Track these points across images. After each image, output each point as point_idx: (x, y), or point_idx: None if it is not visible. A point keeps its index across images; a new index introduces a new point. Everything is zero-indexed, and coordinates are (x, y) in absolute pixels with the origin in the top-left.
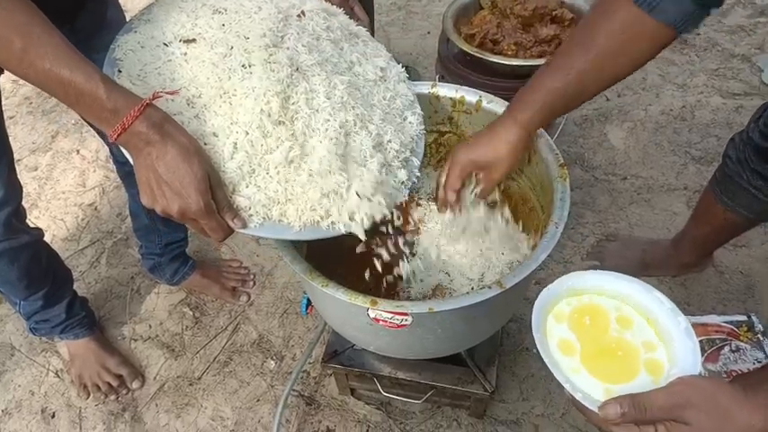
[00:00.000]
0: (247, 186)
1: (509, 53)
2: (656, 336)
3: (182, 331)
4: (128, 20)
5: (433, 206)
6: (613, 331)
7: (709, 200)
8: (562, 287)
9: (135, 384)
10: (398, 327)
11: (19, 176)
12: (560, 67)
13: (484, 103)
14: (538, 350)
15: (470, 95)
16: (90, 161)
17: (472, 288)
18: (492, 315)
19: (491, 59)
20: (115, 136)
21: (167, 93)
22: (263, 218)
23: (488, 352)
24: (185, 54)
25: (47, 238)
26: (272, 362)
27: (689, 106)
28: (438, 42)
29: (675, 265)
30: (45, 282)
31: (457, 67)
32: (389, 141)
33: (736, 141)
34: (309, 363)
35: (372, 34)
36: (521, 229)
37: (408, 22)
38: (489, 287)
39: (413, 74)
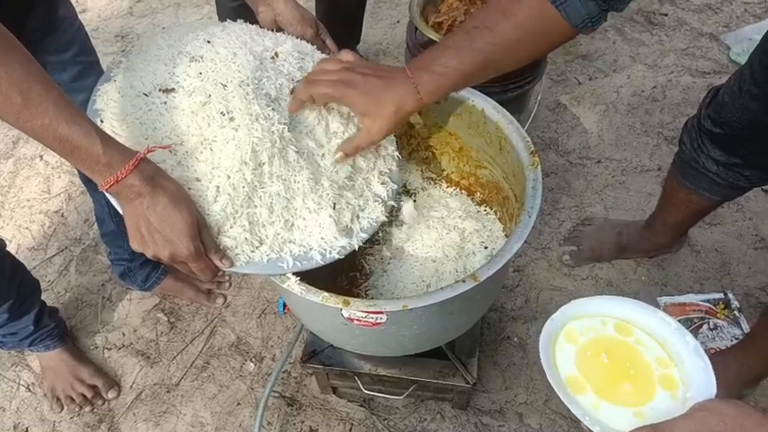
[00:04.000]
0: (231, 227)
1: None
2: (667, 357)
3: (157, 337)
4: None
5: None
6: (623, 353)
7: (673, 184)
8: (565, 316)
9: (110, 394)
10: (374, 325)
11: None
12: (469, 48)
13: (452, 93)
14: (551, 386)
15: None
16: (54, 167)
17: (449, 280)
18: (469, 308)
19: None
20: (107, 187)
21: (160, 147)
22: (249, 256)
23: (469, 344)
24: (165, 103)
25: (11, 248)
26: (252, 364)
27: (660, 86)
28: (406, 32)
29: (651, 247)
30: (9, 294)
31: None
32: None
33: (689, 127)
34: (290, 363)
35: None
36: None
37: (377, 12)
38: (464, 281)
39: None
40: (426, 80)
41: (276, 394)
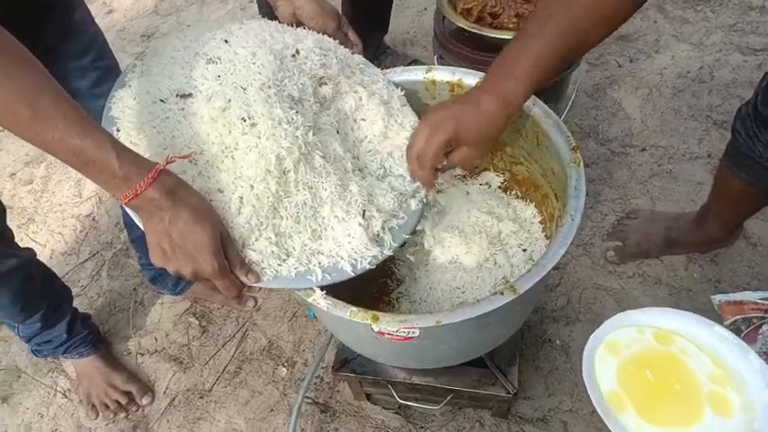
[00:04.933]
0: (257, 240)
1: (510, 27)
2: (723, 375)
3: (189, 342)
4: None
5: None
6: (668, 367)
7: (726, 175)
8: (611, 329)
9: (145, 400)
10: (405, 339)
11: (14, 190)
12: (538, 35)
13: None
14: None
15: (469, 78)
16: None
17: (485, 288)
18: (508, 319)
19: (490, 35)
20: (125, 201)
21: (181, 157)
22: (276, 270)
23: (509, 350)
24: (183, 110)
25: (46, 253)
26: (284, 369)
27: (707, 66)
28: (433, 20)
29: (703, 241)
30: (41, 304)
31: (455, 45)
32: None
33: (743, 114)
34: (322, 367)
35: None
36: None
37: (404, 0)
38: (501, 293)
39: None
40: (514, 87)
41: (309, 400)
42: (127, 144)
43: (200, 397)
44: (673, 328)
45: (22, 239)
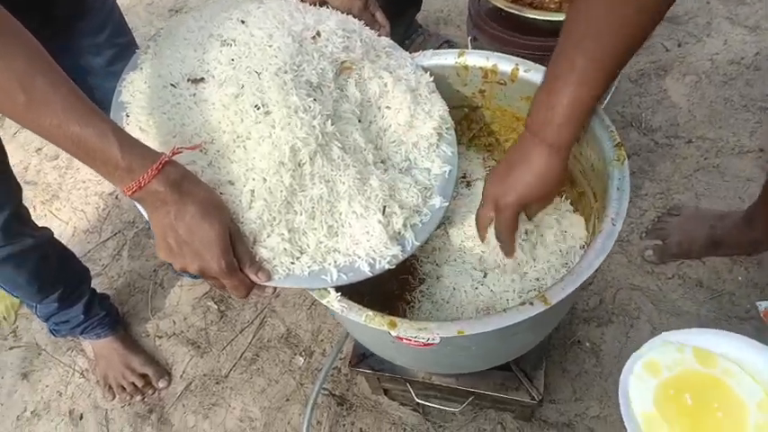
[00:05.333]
0: (269, 236)
1: (551, 6)
2: None
3: (207, 326)
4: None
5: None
6: (710, 392)
7: None
8: (652, 348)
9: (161, 384)
10: (425, 345)
11: (40, 166)
12: (570, 72)
13: (521, 72)
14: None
15: (504, 63)
16: None
17: (514, 291)
18: (536, 329)
19: (530, 15)
20: (129, 193)
21: (188, 148)
22: (288, 269)
23: (535, 353)
24: (194, 95)
25: (68, 231)
26: (301, 358)
27: (763, 53)
28: None
29: (750, 243)
30: (58, 284)
31: (490, 25)
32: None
33: None
34: (340, 358)
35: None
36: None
37: None
38: (531, 303)
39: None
40: (556, 135)
41: (326, 392)
42: (135, 131)
43: (217, 383)
44: (718, 350)
45: (45, 216)
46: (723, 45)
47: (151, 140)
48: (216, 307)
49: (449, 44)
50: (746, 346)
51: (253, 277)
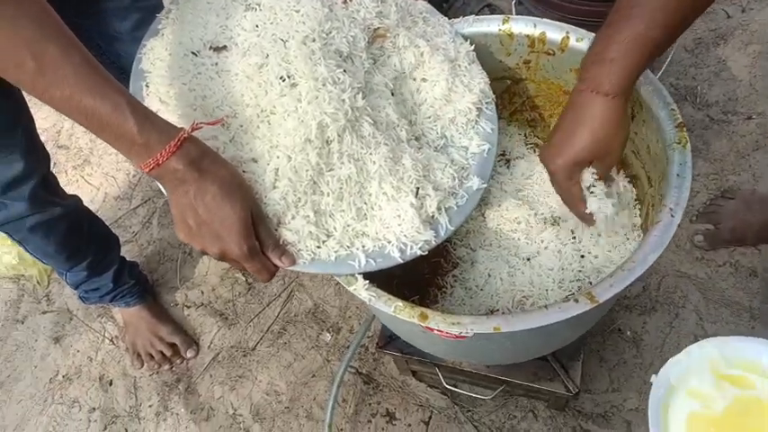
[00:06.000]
0: (294, 218)
1: None
2: None
3: (234, 298)
4: None
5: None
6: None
7: None
8: (692, 362)
9: (189, 353)
10: (457, 337)
11: (71, 130)
12: (632, 11)
13: (572, 41)
14: None
15: (553, 31)
16: None
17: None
18: (577, 325)
19: None
20: (147, 170)
21: (208, 123)
22: (313, 253)
23: (574, 343)
24: (216, 65)
25: (99, 197)
26: (328, 334)
27: None
28: None
29: None
30: (87, 252)
31: None
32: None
33: None
34: (368, 337)
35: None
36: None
37: None
38: (576, 300)
39: (495, 13)
40: (607, 76)
41: (353, 370)
42: (155, 102)
43: (244, 355)
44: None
45: (77, 180)
46: None
47: (171, 113)
48: (244, 279)
49: (489, 8)
50: None
51: (276, 261)
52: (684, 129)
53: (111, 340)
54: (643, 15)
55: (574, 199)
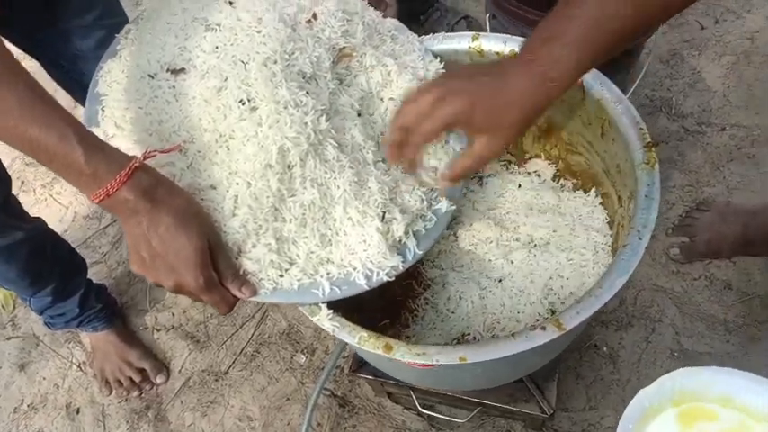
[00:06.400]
0: (254, 247)
1: None
2: None
3: (206, 320)
4: None
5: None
6: None
7: None
8: (665, 390)
9: (159, 379)
10: (425, 366)
11: None
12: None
13: None
14: None
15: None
16: None
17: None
18: (546, 352)
19: None
20: (97, 201)
21: (162, 151)
22: (276, 282)
23: (549, 363)
24: (173, 88)
25: (68, 216)
26: (303, 356)
27: None
28: None
29: None
30: (51, 277)
31: (511, 3)
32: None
33: None
34: (343, 358)
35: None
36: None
37: None
38: (543, 328)
39: (472, 28)
40: (557, 55)
41: (327, 392)
42: (110, 127)
43: (216, 379)
44: (752, 404)
45: (46, 199)
46: (765, 22)
47: (126, 138)
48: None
49: (467, 20)
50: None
51: (236, 292)
52: (653, 149)
53: (79, 366)
54: (600, 11)
55: (421, 136)
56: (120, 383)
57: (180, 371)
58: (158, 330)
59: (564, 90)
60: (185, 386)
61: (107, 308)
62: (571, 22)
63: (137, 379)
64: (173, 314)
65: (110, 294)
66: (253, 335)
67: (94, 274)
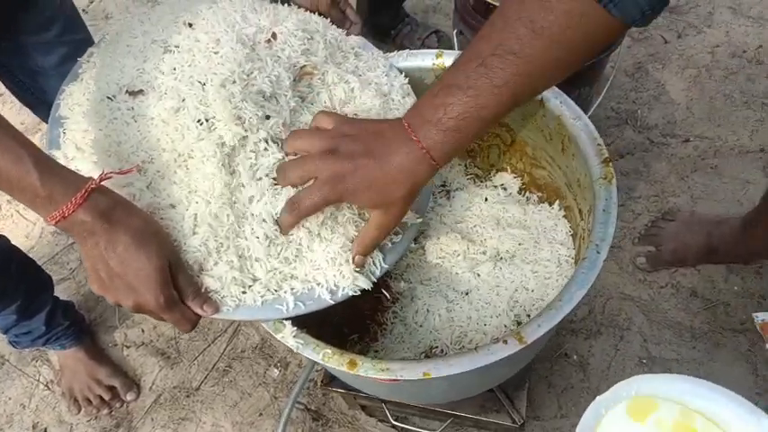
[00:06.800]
0: (216, 264)
1: None
2: None
3: (177, 336)
4: None
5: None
6: None
7: None
8: (621, 397)
9: (129, 396)
10: (391, 381)
11: None
12: (489, 86)
13: None
14: None
15: None
16: None
17: (492, 316)
18: (512, 364)
19: None
20: (53, 222)
21: (118, 173)
22: (238, 299)
23: (518, 374)
24: (132, 109)
25: (35, 232)
26: (276, 370)
27: (767, 45)
28: None
29: (747, 251)
30: (16, 295)
31: (477, 20)
32: None
33: None
34: (317, 371)
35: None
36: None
37: None
38: (505, 341)
39: (442, 42)
40: (438, 140)
41: (301, 406)
42: (71, 149)
43: (187, 395)
44: (705, 409)
45: (12, 215)
46: (725, 36)
47: (86, 160)
48: None
49: (437, 35)
50: (732, 404)
51: (197, 310)
52: (610, 164)
53: (47, 385)
54: (487, 86)
55: (303, 213)
56: (90, 402)
57: (151, 388)
58: (128, 347)
59: (445, 164)
60: (156, 403)
61: (75, 325)
62: (446, 110)
63: (106, 397)
64: (143, 330)
65: (78, 311)
66: (225, 350)
67: (62, 291)
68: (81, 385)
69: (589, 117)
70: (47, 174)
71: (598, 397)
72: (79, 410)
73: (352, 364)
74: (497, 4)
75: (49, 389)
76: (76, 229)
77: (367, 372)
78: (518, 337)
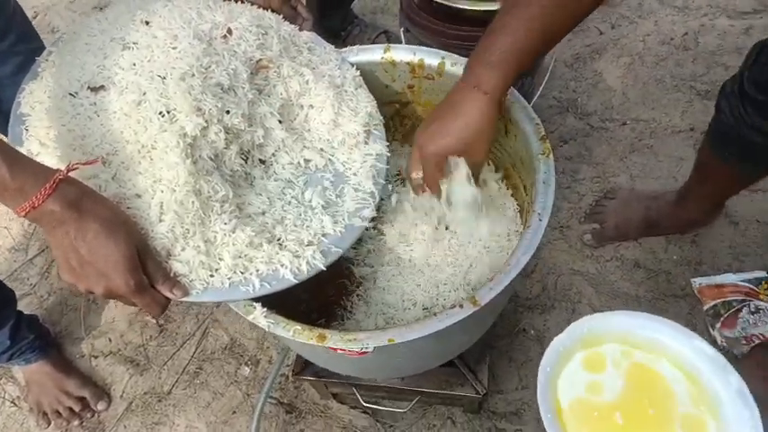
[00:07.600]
0: (183, 250)
1: None
2: (699, 395)
3: (145, 342)
4: None
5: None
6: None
7: (709, 154)
8: (575, 336)
9: (100, 406)
10: (360, 354)
11: None
12: (514, 18)
13: (447, 66)
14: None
15: (431, 58)
16: None
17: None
18: (471, 329)
19: (458, 5)
20: (23, 213)
21: (84, 164)
22: (206, 282)
23: (478, 347)
24: (94, 104)
25: None
26: (247, 368)
27: (691, 32)
28: None
29: (683, 222)
30: None
31: (421, 16)
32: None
33: (727, 91)
34: (287, 365)
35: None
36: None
37: None
38: (461, 306)
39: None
40: (488, 77)
41: (273, 401)
42: (35, 145)
43: (159, 400)
44: (646, 337)
45: None
46: (654, 26)
47: (51, 155)
48: (154, 321)
49: (386, 35)
50: (672, 331)
51: (167, 293)
52: (547, 140)
53: (13, 402)
54: (519, 27)
55: (435, 184)
56: (59, 414)
57: (122, 396)
58: (96, 357)
59: (499, 98)
60: (128, 410)
61: (40, 338)
62: (488, 50)
63: (77, 408)
64: (110, 339)
65: (42, 324)
66: (194, 352)
67: (25, 307)
68: (49, 398)
69: (532, 106)
70: (16, 166)
71: (555, 338)
72: (49, 424)
73: (322, 337)
74: (440, 0)
75: (16, 405)
76: (46, 219)
77: (336, 343)
78: (473, 300)
